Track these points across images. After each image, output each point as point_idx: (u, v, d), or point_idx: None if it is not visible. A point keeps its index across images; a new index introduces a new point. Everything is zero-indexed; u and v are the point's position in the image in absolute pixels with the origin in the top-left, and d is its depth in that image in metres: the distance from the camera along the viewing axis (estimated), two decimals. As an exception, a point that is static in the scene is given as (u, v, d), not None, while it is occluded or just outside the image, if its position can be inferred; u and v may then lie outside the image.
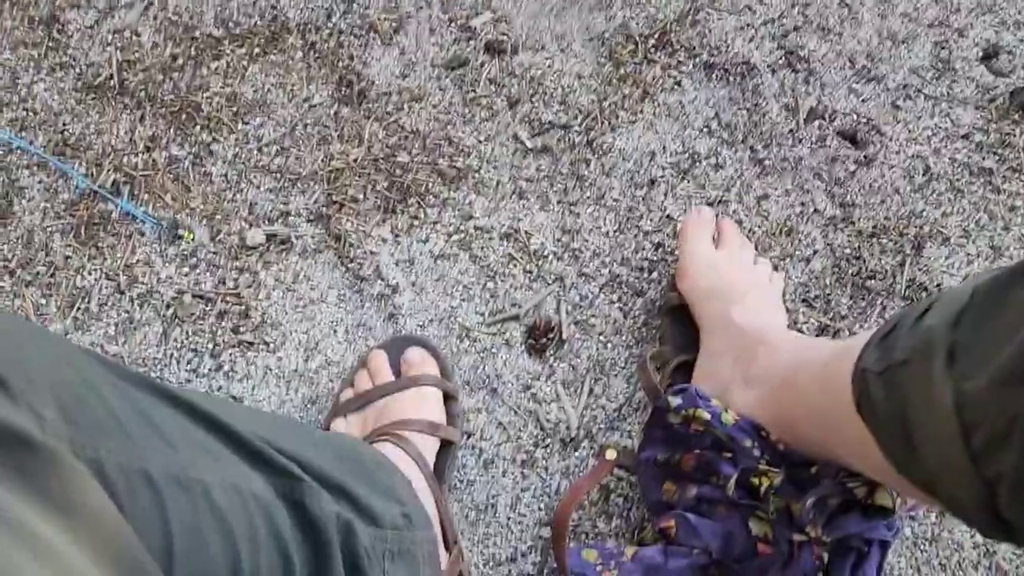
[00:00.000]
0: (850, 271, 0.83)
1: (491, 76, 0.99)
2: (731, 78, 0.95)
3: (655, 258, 0.86)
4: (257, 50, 1.02)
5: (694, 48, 0.97)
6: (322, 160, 0.93)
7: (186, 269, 0.86)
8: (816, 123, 0.92)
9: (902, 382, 0.48)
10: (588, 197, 0.90)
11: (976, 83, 0.93)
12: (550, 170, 0.92)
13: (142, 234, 0.88)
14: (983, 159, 0.88)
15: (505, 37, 1.01)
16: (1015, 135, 0.90)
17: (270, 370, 0.80)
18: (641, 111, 0.95)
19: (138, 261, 0.87)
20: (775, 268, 0.82)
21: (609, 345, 0.82)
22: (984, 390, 0.42)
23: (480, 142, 0.94)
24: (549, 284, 0.85)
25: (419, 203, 0.90)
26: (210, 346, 0.82)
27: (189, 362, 0.81)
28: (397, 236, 0.88)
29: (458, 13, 1.04)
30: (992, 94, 0.92)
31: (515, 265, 0.86)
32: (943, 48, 0.95)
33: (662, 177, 0.91)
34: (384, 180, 0.92)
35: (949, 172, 0.88)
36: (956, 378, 0.44)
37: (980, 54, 0.95)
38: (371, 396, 0.74)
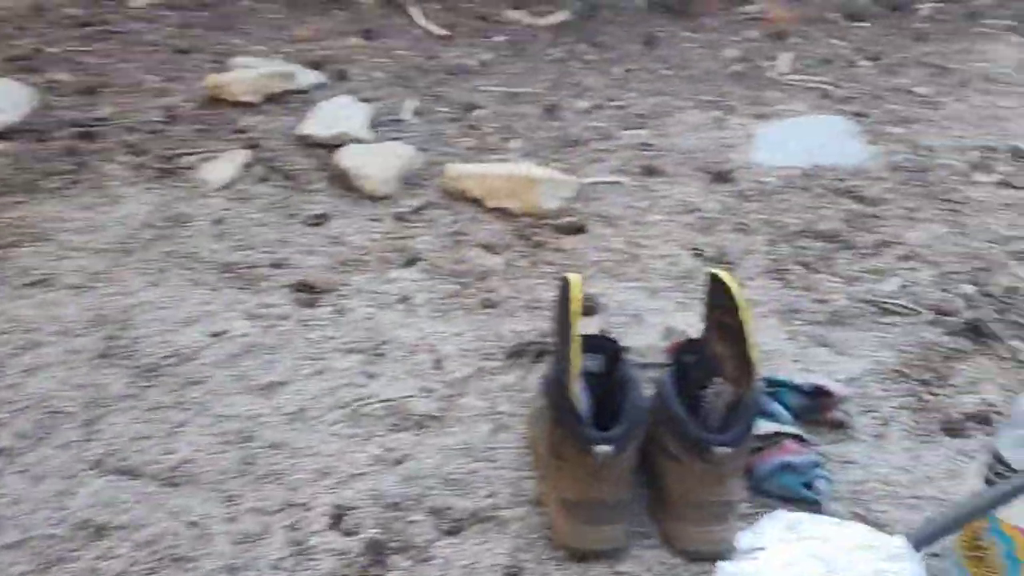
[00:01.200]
0: None
1: None
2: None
3: None
4: None
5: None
6: None
7: None
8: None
9: None
10: None
11: (334, 551, 1.00)
12: None
13: None
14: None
15: None
16: (383, 587, 0.98)
17: None
18: None
19: None
20: None
21: None
22: None
23: None
24: None
25: None
26: None
27: None
28: None
29: None
30: (351, 556, 1.00)
31: None
32: (296, 529, 1.02)
33: None
34: None
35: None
36: None
37: (328, 522, 1.03)
38: None
